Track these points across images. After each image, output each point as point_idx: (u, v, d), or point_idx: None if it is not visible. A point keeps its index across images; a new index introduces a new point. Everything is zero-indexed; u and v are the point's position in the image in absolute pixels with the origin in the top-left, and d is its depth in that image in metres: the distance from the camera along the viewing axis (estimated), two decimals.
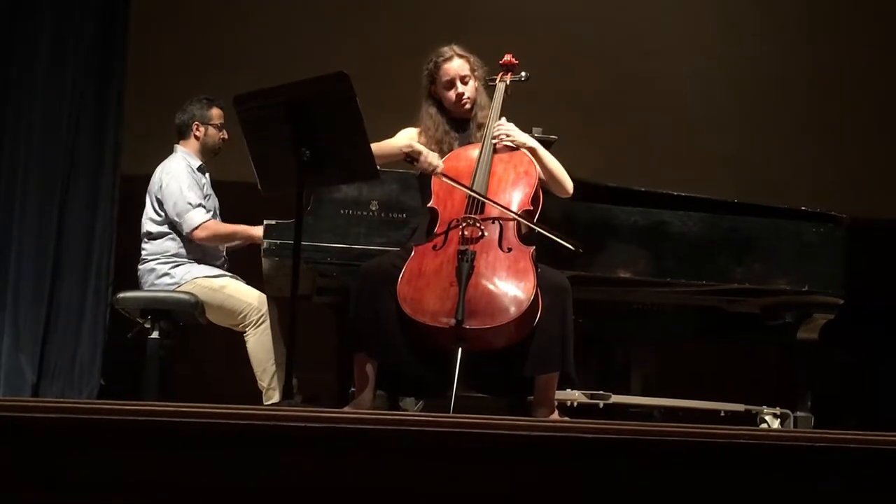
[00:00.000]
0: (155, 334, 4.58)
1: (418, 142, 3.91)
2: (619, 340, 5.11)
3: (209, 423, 2.24)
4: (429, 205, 3.80)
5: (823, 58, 7.08)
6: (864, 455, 2.45)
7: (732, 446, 2.43)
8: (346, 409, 3.51)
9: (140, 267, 4.81)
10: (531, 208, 3.75)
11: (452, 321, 3.36)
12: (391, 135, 4.02)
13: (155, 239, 4.79)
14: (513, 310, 3.43)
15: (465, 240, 3.59)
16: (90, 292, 5.34)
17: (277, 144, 3.55)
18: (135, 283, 4.82)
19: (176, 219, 4.76)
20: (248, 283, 4.77)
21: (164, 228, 4.79)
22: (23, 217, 5.31)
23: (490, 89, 4.05)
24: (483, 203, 3.69)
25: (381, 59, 6.29)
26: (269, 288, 4.62)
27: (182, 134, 4.97)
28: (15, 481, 2.18)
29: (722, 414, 4.83)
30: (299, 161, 3.51)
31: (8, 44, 5.36)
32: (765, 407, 4.83)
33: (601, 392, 4.59)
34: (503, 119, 3.92)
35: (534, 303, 3.46)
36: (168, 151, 4.97)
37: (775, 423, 4.78)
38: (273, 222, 4.26)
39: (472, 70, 3.98)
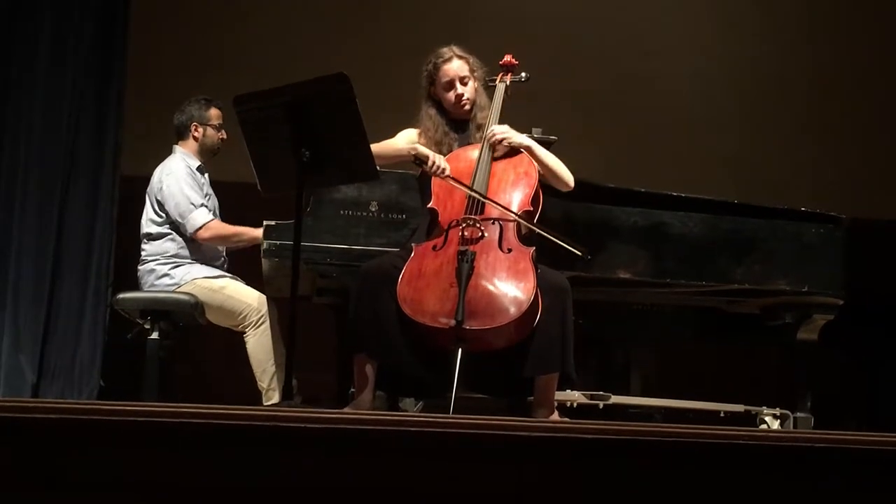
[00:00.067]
0: (155, 335, 4.59)
1: (418, 143, 3.91)
2: (619, 341, 5.11)
3: (209, 423, 2.24)
4: (428, 205, 3.80)
5: (823, 58, 7.08)
6: (864, 456, 2.45)
7: (732, 447, 2.43)
8: (346, 409, 3.52)
9: (140, 268, 4.81)
10: (531, 209, 3.75)
11: (452, 322, 3.36)
12: (391, 135, 4.02)
13: (155, 240, 4.79)
14: (513, 310, 3.43)
15: (464, 240, 3.59)
16: (90, 293, 5.33)
17: (277, 145, 3.55)
18: (134, 284, 4.82)
19: (179, 219, 4.76)
20: (247, 283, 4.77)
21: (164, 229, 4.79)
22: (23, 217, 5.31)
23: (490, 90, 4.05)
24: (483, 204, 3.69)
25: (381, 59, 6.29)
26: (269, 289, 4.63)
27: (180, 135, 4.97)
28: (15, 481, 2.18)
29: (722, 414, 4.83)
30: (299, 162, 3.51)
31: (8, 44, 5.35)
32: (764, 407, 4.83)
33: (601, 393, 4.59)
34: (495, 125, 3.91)
35: (534, 303, 3.46)
36: (168, 152, 4.98)
37: (775, 424, 4.78)
38: (273, 223, 4.26)
39: (472, 71, 3.98)
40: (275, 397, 4.46)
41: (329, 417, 2.35)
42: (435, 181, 3.79)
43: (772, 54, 7.08)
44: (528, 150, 3.88)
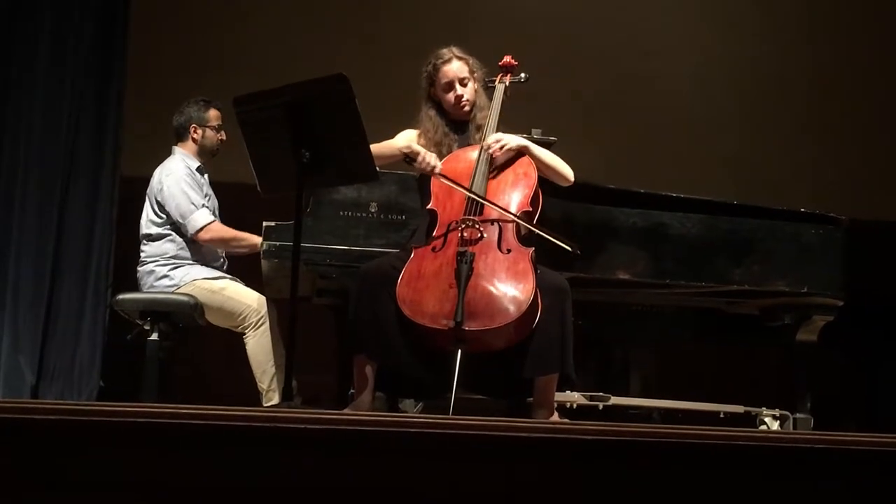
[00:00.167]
0: (154, 336, 4.58)
1: (418, 143, 3.91)
2: (619, 342, 5.12)
3: (209, 424, 2.24)
4: (428, 206, 3.80)
5: (823, 58, 7.08)
6: (864, 456, 2.45)
7: (732, 448, 2.43)
8: (346, 410, 3.52)
9: (139, 269, 4.80)
10: (530, 209, 3.75)
11: (452, 323, 3.36)
12: (391, 136, 4.02)
13: (154, 241, 4.79)
14: (512, 311, 3.43)
15: (464, 241, 3.59)
16: (89, 293, 5.33)
17: (277, 146, 3.55)
18: (134, 285, 4.82)
19: (180, 220, 4.75)
20: (247, 284, 4.76)
21: (164, 230, 4.78)
22: (22, 217, 5.31)
23: (489, 91, 4.05)
24: (482, 204, 3.69)
25: (381, 59, 6.29)
26: (269, 289, 4.63)
27: (179, 136, 4.96)
28: (15, 482, 2.18)
29: (721, 415, 4.83)
30: (299, 162, 3.51)
31: (8, 44, 5.36)
32: (764, 408, 4.83)
33: (600, 394, 4.59)
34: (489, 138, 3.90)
35: (533, 304, 3.46)
36: (167, 152, 4.97)
37: (774, 425, 4.78)
38: (272, 224, 4.26)
39: (471, 72, 3.98)
40: (275, 398, 4.46)
41: (329, 418, 2.35)
42: (434, 182, 3.79)
43: (772, 54, 7.09)
44: (525, 149, 3.88)
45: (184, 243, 4.78)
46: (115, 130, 5.50)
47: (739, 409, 4.86)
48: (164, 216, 4.79)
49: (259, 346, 4.58)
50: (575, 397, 4.48)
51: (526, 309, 3.43)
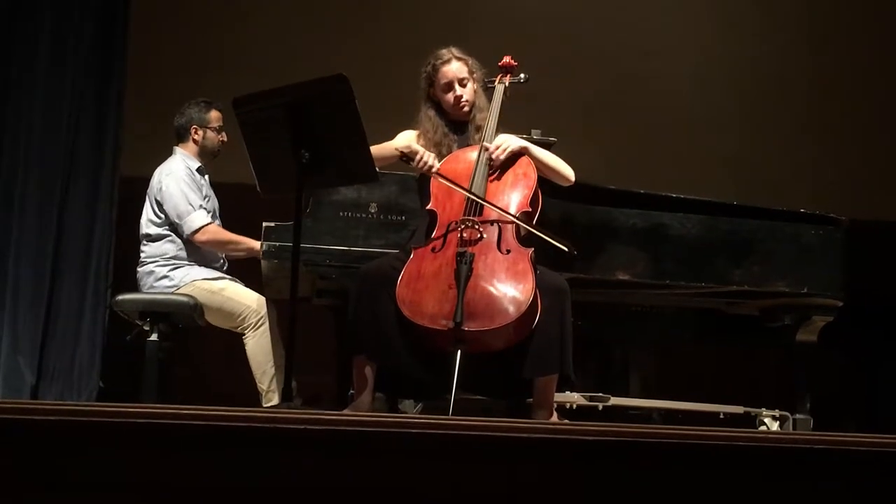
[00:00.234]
0: (154, 336, 4.58)
1: (417, 144, 3.91)
2: (618, 342, 5.12)
3: (208, 425, 2.24)
4: (427, 207, 3.79)
5: (823, 58, 7.09)
6: (863, 457, 2.45)
7: (731, 448, 2.43)
8: (346, 411, 3.52)
9: (139, 269, 4.80)
10: (529, 210, 3.75)
11: (451, 323, 3.36)
12: (391, 136, 4.02)
13: (154, 241, 4.79)
14: (512, 311, 3.43)
15: (463, 242, 3.59)
16: (89, 294, 5.33)
17: (277, 146, 3.55)
18: (134, 285, 4.82)
19: (177, 220, 4.75)
20: (247, 285, 4.76)
21: (164, 231, 4.78)
22: (22, 217, 5.30)
23: (489, 91, 4.05)
24: (482, 205, 3.69)
25: (381, 60, 6.29)
26: (269, 290, 4.63)
27: (180, 137, 4.96)
28: (15, 482, 2.18)
29: (721, 416, 4.83)
30: (298, 163, 3.51)
31: (8, 44, 5.35)
32: (764, 409, 4.83)
33: (600, 394, 4.59)
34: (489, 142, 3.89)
35: (532, 304, 3.46)
36: (167, 152, 4.97)
37: (774, 426, 4.78)
38: (272, 224, 4.26)
39: (471, 72, 3.98)
40: (274, 399, 4.46)
41: (328, 419, 2.35)
42: (434, 183, 3.79)
43: (772, 54, 7.09)
44: (525, 151, 3.88)
45: (183, 244, 4.78)
46: (115, 130, 5.50)
47: (739, 409, 4.86)
48: (163, 216, 4.79)
49: (259, 346, 4.57)
50: (575, 398, 4.48)
51: (525, 309, 3.43)
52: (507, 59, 4.11)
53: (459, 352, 3.36)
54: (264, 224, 4.29)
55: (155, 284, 4.74)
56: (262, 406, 4.47)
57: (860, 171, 6.98)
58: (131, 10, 5.62)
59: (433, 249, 3.62)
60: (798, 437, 2.63)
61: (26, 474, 2.19)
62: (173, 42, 6.48)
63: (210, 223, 4.76)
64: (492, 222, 3.66)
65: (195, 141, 4.94)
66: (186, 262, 4.76)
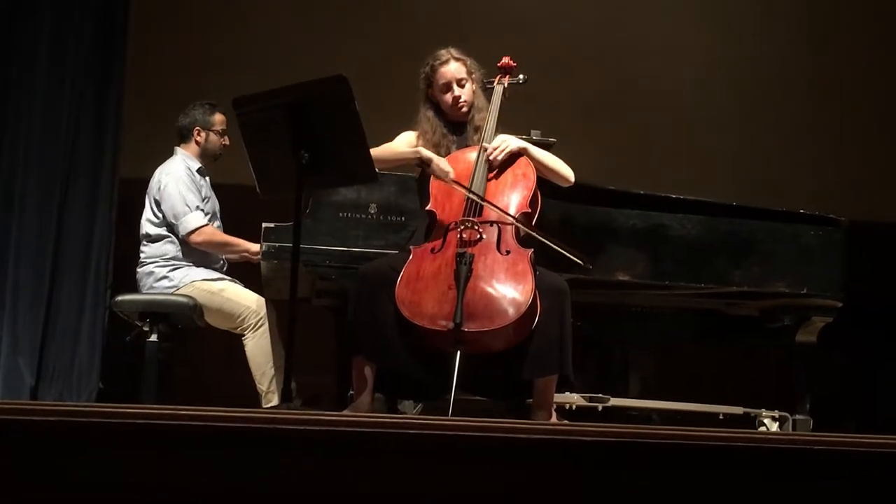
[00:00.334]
0: (153, 337, 4.58)
1: (417, 145, 3.91)
2: (618, 343, 5.12)
3: (208, 426, 2.24)
4: (427, 208, 3.79)
5: (823, 58, 7.09)
6: (863, 458, 2.45)
7: (731, 449, 2.42)
8: (345, 412, 3.52)
9: (139, 270, 4.80)
10: (529, 211, 3.75)
11: (451, 324, 3.36)
12: (391, 137, 4.02)
13: (154, 241, 4.79)
14: (511, 312, 3.42)
15: (463, 243, 3.59)
16: (89, 295, 5.33)
17: (276, 147, 3.55)
18: (133, 286, 4.82)
19: (173, 220, 4.75)
20: (246, 286, 4.76)
21: (163, 231, 4.78)
22: (22, 217, 5.31)
23: (488, 92, 4.04)
24: (481, 206, 3.69)
25: (381, 60, 6.29)
26: (268, 291, 4.63)
27: (183, 137, 4.96)
28: (15, 482, 2.18)
29: (721, 417, 4.83)
30: (298, 164, 3.51)
31: (8, 44, 5.36)
32: (763, 410, 4.84)
33: (600, 395, 4.59)
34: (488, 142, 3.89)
35: (532, 305, 3.46)
36: (167, 153, 4.97)
37: (774, 426, 4.78)
38: (272, 225, 4.26)
39: (469, 73, 3.97)
40: (274, 400, 4.46)
41: (328, 420, 2.35)
42: (433, 183, 3.79)
43: (772, 54, 7.09)
44: (525, 151, 3.88)
45: (182, 244, 4.77)
46: (115, 131, 5.51)
47: (739, 410, 4.86)
48: (161, 216, 4.79)
49: (258, 347, 4.57)
50: (574, 399, 4.48)
51: (525, 310, 3.43)
52: (506, 59, 4.11)
53: (459, 352, 3.36)
54: (264, 225, 4.29)
55: (154, 285, 4.73)
56: (261, 407, 4.47)
57: (860, 171, 6.98)
58: (131, 10, 5.63)
59: (433, 250, 3.62)
60: (798, 437, 2.62)
61: (26, 475, 2.19)
62: (173, 42, 6.48)
63: (206, 225, 4.76)
64: (491, 223, 3.65)
65: (197, 143, 4.94)
66: (186, 263, 4.76)
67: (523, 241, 3.68)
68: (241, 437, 2.24)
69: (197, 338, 5.17)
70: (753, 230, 4.62)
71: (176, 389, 5.09)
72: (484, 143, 3.83)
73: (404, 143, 3.95)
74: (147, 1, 6.03)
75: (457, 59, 3.97)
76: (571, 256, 3.62)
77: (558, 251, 3.63)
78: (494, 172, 3.81)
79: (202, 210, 4.79)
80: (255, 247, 4.54)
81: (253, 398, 4.55)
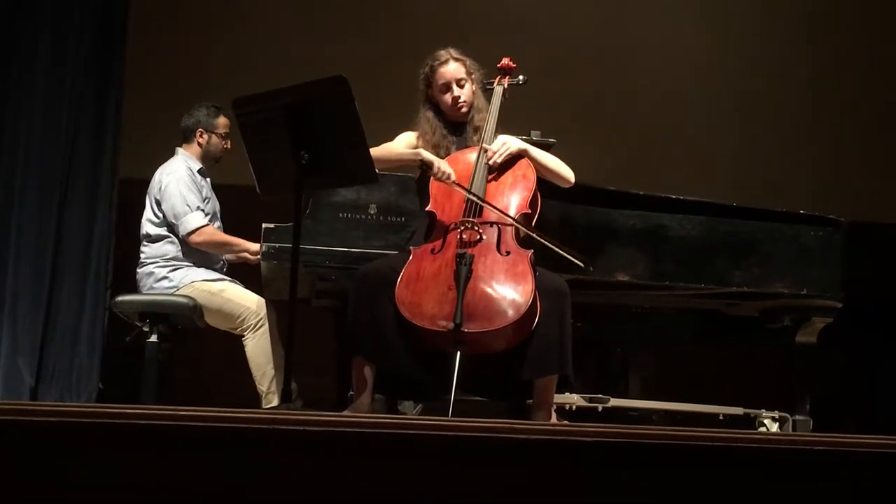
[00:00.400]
0: (153, 338, 4.59)
1: (417, 145, 3.90)
2: (618, 344, 5.12)
3: (208, 426, 2.24)
4: (427, 208, 3.79)
5: (823, 58, 7.08)
6: (863, 458, 2.44)
7: (731, 450, 2.42)
8: (345, 412, 3.51)
9: (139, 270, 4.80)
10: (529, 212, 3.75)
11: (451, 325, 3.35)
12: (391, 137, 4.02)
13: (154, 241, 4.79)
14: (511, 313, 3.42)
15: (463, 243, 3.59)
16: (88, 295, 5.34)
17: (276, 148, 3.55)
18: (133, 287, 4.82)
19: (173, 220, 4.75)
20: (246, 286, 4.76)
21: (163, 231, 4.78)
22: (21, 219, 5.31)
23: (488, 93, 4.04)
24: (481, 207, 3.69)
25: (381, 60, 6.30)
26: (268, 291, 4.63)
27: (185, 138, 4.96)
28: (15, 482, 2.18)
29: (721, 417, 4.83)
30: (298, 164, 3.51)
31: (8, 44, 5.36)
32: (763, 410, 4.83)
33: (600, 395, 4.59)
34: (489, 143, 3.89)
35: (532, 306, 3.45)
36: (167, 153, 4.97)
37: (774, 427, 4.78)
38: (272, 226, 4.26)
39: (469, 73, 3.97)
40: (274, 400, 4.46)
41: (328, 420, 2.34)
42: (433, 184, 3.78)
43: (772, 54, 7.09)
44: (525, 153, 3.88)
45: (183, 245, 4.77)
46: (115, 132, 5.51)
47: (739, 410, 4.86)
48: (161, 216, 4.79)
49: (258, 348, 4.57)
50: (574, 399, 4.48)
51: (525, 311, 3.42)
52: (505, 60, 4.11)
53: (459, 353, 3.36)
54: (264, 225, 4.29)
55: (154, 285, 4.74)
56: (261, 407, 4.47)
57: (860, 171, 6.98)
58: (131, 10, 5.63)
59: (432, 251, 3.61)
60: (797, 438, 2.62)
61: (26, 475, 2.19)
62: (173, 42, 6.48)
63: (206, 225, 4.76)
64: (491, 224, 3.65)
65: (199, 144, 4.94)
66: (186, 264, 4.76)
67: (523, 241, 3.68)
68: (241, 438, 2.24)
69: (197, 338, 5.18)
70: (753, 231, 4.62)
71: (176, 390, 5.09)
72: (484, 144, 3.83)
73: (404, 144, 3.94)
74: (147, 1, 6.03)
75: (456, 60, 3.97)
76: (571, 258, 3.62)
77: (560, 253, 3.63)
78: (494, 173, 3.81)
79: (202, 210, 4.79)
80: (255, 246, 4.54)
81: (253, 399, 4.55)
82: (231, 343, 4.73)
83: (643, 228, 4.49)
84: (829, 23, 7.15)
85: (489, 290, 3.47)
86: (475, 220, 3.64)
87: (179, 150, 4.95)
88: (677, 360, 5.78)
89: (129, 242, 5.04)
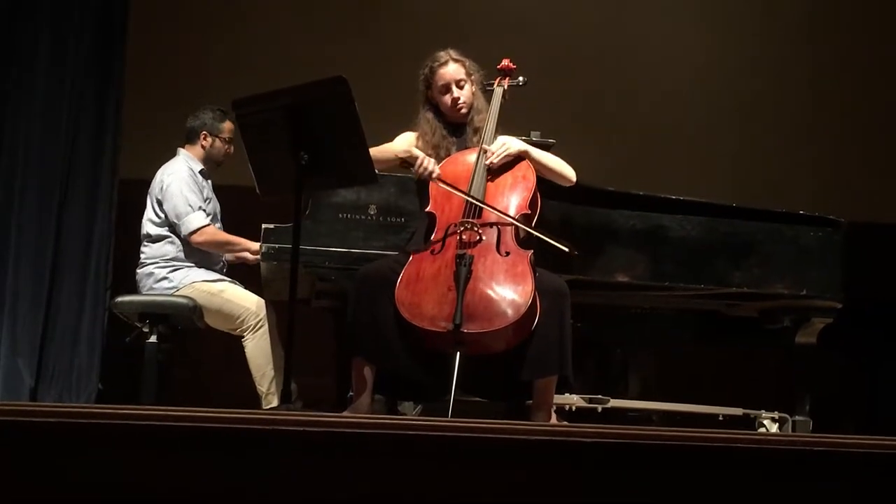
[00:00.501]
0: (153, 338, 4.58)
1: (416, 146, 3.90)
2: (618, 344, 5.12)
3: (207, 427, 2.24)
4: (427, 209, 3.79)
5: (823, 58, 7.08)
6: (863, 459, 2.44)
7: (731, 450, 2.42)
8: (345, 413, 3.51)
9: (138, 271, 4.80)
10: (529, 212, 3.74)
11: (450, 325, 3.36)
12: (391, 137, 4.02)
13: (154, 241, 4.79)
14: (511, 313, 3.42)
15: (462, 244, 3.59)
16: (88, 295, 5.33)
17: (276, 148, 3.55)
18: (133, 287, 4.82)
19: (175, 220, 4.75)
20: (246, 287, 4.76)
21: (164, 231, 4.78)
22: (21, 219, 5.31)
23: (488, 94, 4.04)
24: (481, 207, 3.69)
25: (381, 60, 6.30)
26: (268, 292, 4.62)
27: (189, 139, 4.96)
28: (14, 483, 2.18)
29: (720, 418, 4.83)
30: (298, 165, 3.50)
31: (8, 44, 5.36)
32: (763, 411, 4.84)
33: (599, 396, 4.59)
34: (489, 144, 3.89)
35: (532, 307, 3.45)
36: (167, 153, 4.97)
37: (773, 427, 4.78)
38: (271, 226, 4.26)
39: (468, 74, 3.97)
40: (274, 401, 4.45)
41: (328, 421, 2.34)
42: (433, 185, 3.78)
43: (772, 54, 7.09)
44: (525, 154, 3.88)
45: (183, 245, 4.78)
46: (114, 132, 5.50)
47: (738, 411, 4.86)
48: (162, 216, 4.79)
49: (258, 348, 4.57)
50: (574, 400, 4.48)
51: (524, 311, 3.42)
52: (505, 62, 4.11)
53: (458, 354, 3.36)
54: (263, 226, 4.28)
55: (154, 286, 4.74)
56: (261, 408, 4.47)
57: (860, 172, 6.98)
58: (131, 10, 5.62)
59: (432, 251, 3.61)
60: (797, 438, 2.62)
61: (25, 475, 2.19)
62: (173, 42, 6.48)
63: (208, 225, 4.76)
64: (491, 224, 3.65)
65: (203, 146, 4.94)
66: (186, 264, 4.76)
67: (523, 242, 3.68)
68: (241, 438, 2.24)
69: (197, 339, 5.18)
70: (753, 231, 4.61)
71: (176, 390, 5.09)
72: (483, 145, 3.83)
73: (404, 144, 3.94)
74: (147, 1, 6.03)
75: (455, 61, 3.96)
76: (557, 245, 3.61)
77: (545, 240, 3.62)
78: (494, 174, 3.81)
79: (204, 210, 4.79)
80: (256, 246, 4.54)
81: (253, 399, 4.55)
82: (231, 344, 4.73)
83: (643, 229, 4.49)
84: (829, 23, 7.15)
85: (489, 290, 3.47)
86: (475, 221, 3.64)
87: (181, 150, 4.95)
88: (677, 360, 5.79)
89: (129, 242, 5.03)
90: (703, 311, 4.98)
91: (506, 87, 4.04)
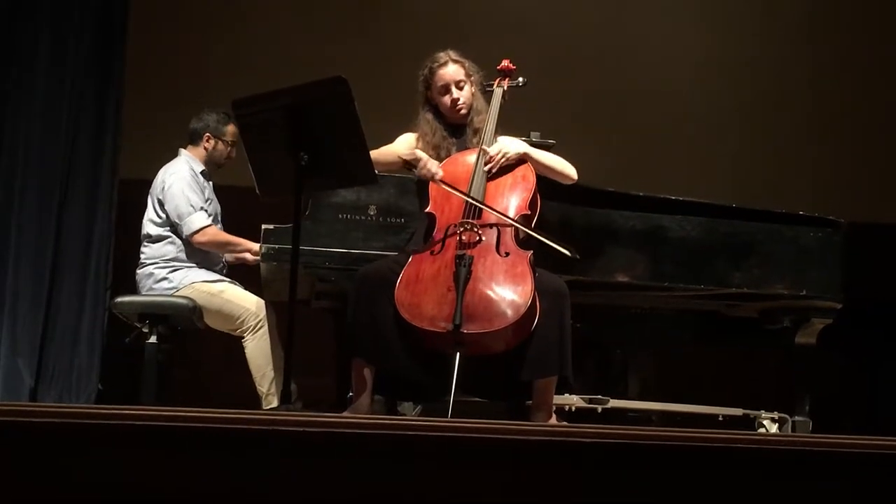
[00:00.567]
0: (153, 339, 4.58)
1: (416, 147, 3.90)
2: (618, 345, 5.12)
3: (207, 427, 2.24)
4: (426, 210, 3.79)
5: (823, 58, 7.08)
6: (863, 459, 2.45)
7: (730, 451, 2.42)
8: (345, 413, 3.51)
9: (138, 271, 4.80)
10: (528, 213, 3.75)
11: (450, 326, 3.36)
12: (391, 137, 4.02)
13: (154, 242, 4.79)
14: (510, 314, 3.42)
15: (462, 245, 3.58)
16: (88, 295, 5.33)
17: (276, 149, 3.55)
18: (133, 287, 4.82)
19: (177, 220, 4.75)
20: (246, 288, 4.76)
21: (164, 231, 4.78)
22: (21, 219, 5.31)
23: (488, 95, 4.04)
24: (480, 208, 3.69)
25: (381, 60, 6.30)
26: (268, 292, 4.62)
27: (192, 140, 4.97)
28: (14, 483, 2.18)
29: (720, 418, 4.83)
30: (298, 165, 3.50)
31: (8, 44, 5.36)
32: (763, 411, 4.83)
33: (599, 396, 4.59)
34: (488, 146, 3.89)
35: (531, 307, 3.45)
36: (167, 154, 4.97)
37: (773, 428, 4.78)
38: (271, 227, 4.26)
39: (468, 75, 3.97)
40: (274, 402, 4.45)
41: (327, 421, 2.35)
42: (433, 186, 3.78)
43: (772, 54, 7.09)
44: (525, 155, 3.87)
45: (183, 246, 4.78)
46: (114, 132, 5.50)
47: (738, 411, 4.86)
48: (164, 216, 4.79)
49: (258, 349, 4.57)
50: (574, 400, 4.48)
51: (524, 312, 3.42)
52: (505, 62, 4.11)
53: (458, 354, 3.36)
54: (263, 226, 4.28)
55: (154, 286, 4.74)
56: (261, 408, 4.47)
57: (859, 172, 6.98)
58: (131, 10, 5.62)
59: (432, 252, 3.61)
60: (797, 439, 2.62)
61: (25, 475, 2.19)
62: (173, 42, 6.48)
63: (209, 225, 4.76)
64: (491, 225, 3.65)
65: (205, 148, 4.95)
66: (186, 265, 4.76)
67: (523, 243, 3.68)
68: (241, 439, 2.25)
69: (196, 339, 5.17)
70: (753, 232, 4.61)
71: (176, 391, 5.10)
72: (483, 147, 3.83)
73: (404, 145, 3.94)
74: (147, 1, 6.02)
75: (455, 62, 3.96)
76: (558, 247, 3.61)
77: (546, 244, 3.63)
78: (494, 175, 3.81)
79: (205, 211, 4.79)
80: (256, 247, 4.54)
81: (253, 400, 4.55)
82: (231, 344, 4.73)
83: (643, 229, 4.49)
84: (829, 23, 7.15)
85: (488, 291, 3.47)
86: (475, 222, 3.64)
87: (183, 151, 4.95)
88: (677, 361, 5.79)
89: (128, 243, 5.04)
90: (703, 311, 4.98)
91: (505, 87, 4.04)
